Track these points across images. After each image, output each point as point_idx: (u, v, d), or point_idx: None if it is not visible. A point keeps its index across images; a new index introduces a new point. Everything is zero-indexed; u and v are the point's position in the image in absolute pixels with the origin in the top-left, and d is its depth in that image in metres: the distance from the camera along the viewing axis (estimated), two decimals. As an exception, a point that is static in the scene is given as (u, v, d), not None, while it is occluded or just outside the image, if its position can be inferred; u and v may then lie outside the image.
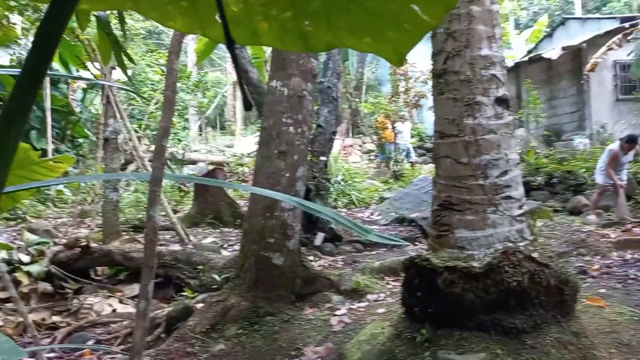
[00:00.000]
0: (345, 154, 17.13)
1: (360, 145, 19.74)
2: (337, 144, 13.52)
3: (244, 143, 17.11)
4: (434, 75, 3.31)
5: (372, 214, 9.18)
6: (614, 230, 7.67)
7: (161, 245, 6.49)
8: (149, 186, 2.05)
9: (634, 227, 7.92)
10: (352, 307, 4.36)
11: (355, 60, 19.31)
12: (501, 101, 3.18)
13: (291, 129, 4.27)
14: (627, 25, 13.96)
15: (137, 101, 13.25)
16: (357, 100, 20.06)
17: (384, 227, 8.12)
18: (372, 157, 17.62)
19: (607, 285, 5.04)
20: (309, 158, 6.66)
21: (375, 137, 15.54)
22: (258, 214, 4.39)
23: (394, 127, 13.37)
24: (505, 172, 3.21)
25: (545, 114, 15.78)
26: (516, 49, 21.33)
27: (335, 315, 4.16)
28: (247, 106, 0.57)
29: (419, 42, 0.73)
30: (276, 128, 4.30)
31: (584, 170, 10.67)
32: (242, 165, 12.14)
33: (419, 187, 9.41)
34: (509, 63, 17.18)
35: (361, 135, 20.36)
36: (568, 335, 3.08)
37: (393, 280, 5.10)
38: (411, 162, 14.56)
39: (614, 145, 8.73)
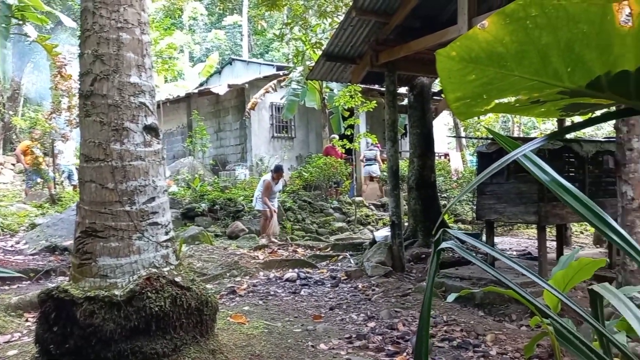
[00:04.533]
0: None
1: (13, 164, 17.29)
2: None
3: None
4: (81, 96, 3.16)
5: (17, 243, 8.07)
6: (263, 252, 8.64)
7: None
8: None
9: (279, 248, 9.10)
10: (-26, 353, 3.71)
11: (10, 68, 16.95)
12: (150, 129, 3.25)
13: None
14: (281, 73, 16.21)
15: None
16: (11, 113, 17.66)
17: (30, 257, 7.22)
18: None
19: (251, 303, 5.62)
20: None
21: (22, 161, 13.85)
22: None
23: (53, 147, 12.20)
24: (152, 199, 3.27)
25: (212, 144, 16.87)
26: (189, 81, 22.30)
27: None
28: None
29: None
30: None
31: (242, 198, 11.73)
32: None
33: (78, 212, 8.74)
34: (182, 93, 17.82)
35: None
36: (205, 354, 3.28)
37: (34, 317, 4.57)
38: (73, 185, 13.47)
39: (267, 176, 9.96)
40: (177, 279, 3.23)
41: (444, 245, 1.12)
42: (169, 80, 20.07)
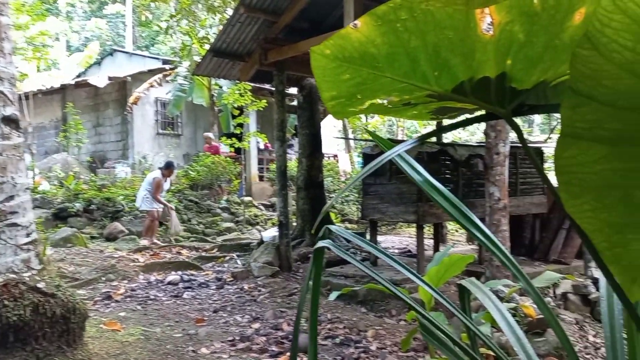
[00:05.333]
0: None
1: None
2: None
3: None
4: None
5: None
6: (144, 254, 8.23)
7: None
8: None
9: (161, 250, 8.71)
10: None
11: None
12: (9, 121, 2.93)
13: None
14: (167, 67, 15.57)
15: None
16: None
17: None
18: None
19: (128, 308, 5.31)
20: None
21: None
22: None
23: None
24: (11, 197, 2.95)
25: (90, 140, 15.76)
26: (65, 71, 20.69)
27: None
28: None
29: None
30: None
31: (122, 197, 11.08)
32: None
33: None
34: (56, 83, 16.47)
35: None
36: (73, 365, 3.03)
37: None
38: None
39: (157, 174, 9.40)
40: (40, 285, 2.95)
41: (320, 244, 1.10)
42: (42, 69, 18.47)
